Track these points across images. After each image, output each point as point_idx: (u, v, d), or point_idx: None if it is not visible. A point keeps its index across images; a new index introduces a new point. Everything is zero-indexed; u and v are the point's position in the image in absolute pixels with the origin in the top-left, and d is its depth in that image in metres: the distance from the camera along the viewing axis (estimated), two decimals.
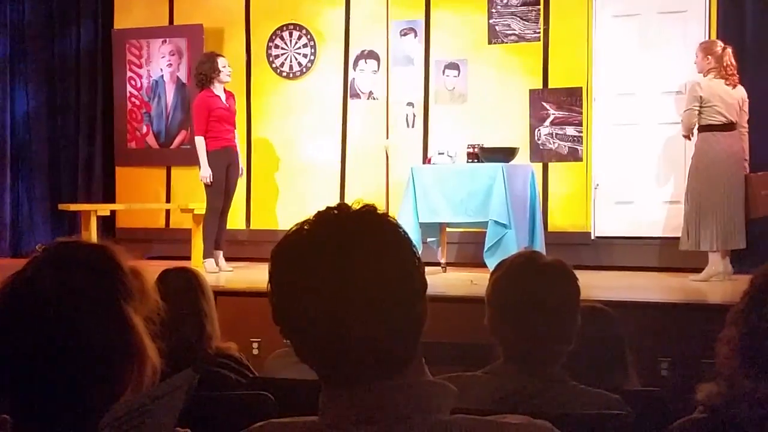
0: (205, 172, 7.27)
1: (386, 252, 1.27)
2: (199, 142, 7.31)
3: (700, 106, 6.33)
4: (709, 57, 6.43)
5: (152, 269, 1.88)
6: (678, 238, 6.71)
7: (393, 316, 1.24)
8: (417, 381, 1.27)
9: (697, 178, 6.39)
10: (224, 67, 7.39)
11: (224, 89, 7.50)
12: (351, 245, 1.25)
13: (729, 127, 6.37)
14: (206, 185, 7.32)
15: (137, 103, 8.94)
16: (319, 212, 1.31)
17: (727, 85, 6.39)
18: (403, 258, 1.28)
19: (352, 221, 1.29)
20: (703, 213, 6.34)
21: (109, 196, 8.96)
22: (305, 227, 1.30)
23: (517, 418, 1.31)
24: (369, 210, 1.30)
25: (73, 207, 7.99)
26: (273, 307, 1.30)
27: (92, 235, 7.20)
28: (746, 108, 6.49)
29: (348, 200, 1.33)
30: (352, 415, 1.24)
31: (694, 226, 6.37)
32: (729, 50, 6.44)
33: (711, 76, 6.40)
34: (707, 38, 6.97)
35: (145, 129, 8.92)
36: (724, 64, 6.39)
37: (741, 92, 6.46)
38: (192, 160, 7.81)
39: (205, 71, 7.35)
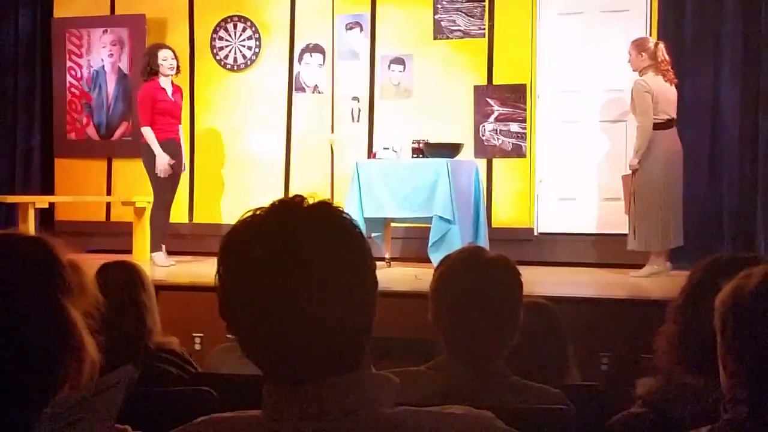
0: (162, 159, 7.07)
1: (340, 248, 1.25)
2: (147, 132, 7.13)
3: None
4: (643, 54, 6.47)
5: (92, 263, 1.85)
6: (619, 235, 6.81)
7: (344, 314, 1.23)
8: (360, 374, 1.26)
9: (645, 177, 6.38)
10: (164, 60, 7.21)
11: (172, 83, 7.35)
12: (305, 239, 1.23)
13: (670, 124, 6.45)
14: (152, 180, 7.17)
15: (77, 93, 8.79)
16: (272, 203, 1.28)
17: (665, 81, 6.46)
18: (356, 255, 1.27)
19: (307, 215, 1.26)
20: (653, 213, 6.37)
21: (48, 188, 8.80)
22: (257, 217, 1.27)
23: (459, 408, 1.31)
24: (324, 204, 1.29)
25: (11, 199, 7.82)
26: (220, 301, 1.27)
27: (30, 227, 7.05)
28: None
29: (292, 194, 1.31)
30: (297, 411, 1.23)
31: (645, 225, 6.40)
32: (661, 45, 6.51)
33: (651, 73, 6.46)
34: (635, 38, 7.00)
35: (85, 120, 8.77)
36: (659, 60, 6.44)
37: (674, 89, 6.54)
38: (133, 152, 7.70)
39: (147, 63, 7.25)
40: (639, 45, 6.54)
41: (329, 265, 1.23)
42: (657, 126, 6.38)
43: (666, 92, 6.44)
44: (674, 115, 6.48)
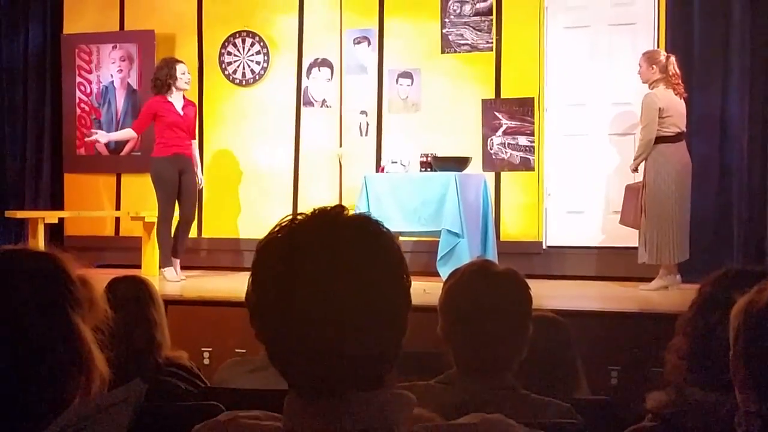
0: (101, 137, 7.79)
1: (379, 262, 1.23)
2: (127, 132, 7.68)
3: (659, 118, 6.37)
4: (654, 66, 6.47)
5: (101, 278, 1.85)
6: (628, 248, 6.79)
7: (376, 329, 1.22)
8: (380, 393, 1.24)
9: (655, 191, 6.38)
10: (183, 74, 7.26)
11: (183, 97, 7.37)
12: (344, 250, 1.21)
13: (680, 137, 6.44)
14: (157, 193, 7.19)
15: (87, 109, 8.82)
16: (312, 211, 1.25)
17: (676, 94, 6.46)
18: (394, 270, 1.25)
19: (348, 226, 1.24)
20: (664, 226, 6.36)
21: (58, 204, 8.82)
22: (295, 225, 1.24)
23: (472, 417, 1.31)
24: (365, 217, 1.27)
25: (20, 214, 7.85)
26: (252, 307, 1.24)
27: (39, 242, 7.07)
28: None
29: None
30: (315, 424, 1.22)
31: (656, 239, 6.38)
32: (672, 59, 6.50)
33: (661, 86, 6.45)
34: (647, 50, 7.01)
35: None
36: (670, 74, 6.44)
37: (683, 102, 6.54)
38: (142, 166, 7.73)
39: (161, 77, 7.23)
40: (650, 57, 6.54)
41: (367, 279, 1.21)
42: (667, 139, 6.38)
43: (676, 105, 6.44)
44: (684, 129, 6.47)
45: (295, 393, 1.25)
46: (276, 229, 1.26)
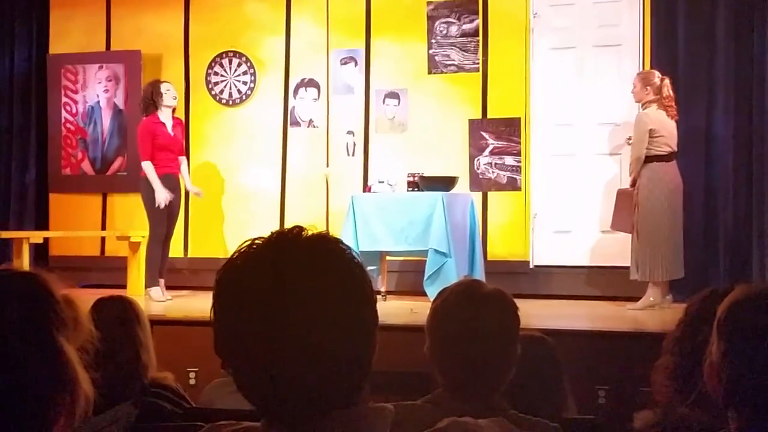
0: (161, 194, 7.09)
1: (339, 280, 1.21)
2: (147, 166, 7.16)
3: (649, 138, 6.40)
4: (648, 88, 6.51)
5: (87, 298, 1.84)
6: (615, 267, 6.80)
7: (342, 349, 1.19)
8: (355, 410, 1.22)
9: (648, 209, 6.41)
10: (168, 90, 7.30)
11: (172, 116, 7.40)
12: (303, 271, 1.19)
13: (672, 156, 6.48)
14: (149, 213, 7.19)
15: (72, 128, 8.80)
16: (270, 235, 1.24)
17: (668, 116, 6.50)
18: (356, 287, 1.23)
19: (305, 246, 1.22)
20: (656, 244, 6.39)
21: (43, 223, 8.78)
22: (253, 249, 1.23)
23: (443, 421, 1.30)
24: (322, 236, 1.24)
25: (5, 234, 7.79)
26: (215, 336, 1.23)
27: (24, 263, 7.03)
28: None
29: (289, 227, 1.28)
30: None
31: (649, 256, 6.41)
32: (667, 81, 6.54)
33: (654, 107, 6.49)
34: (641, 70, 7.08)
35: (80, 155, 8.78)
36: (664, 95, 6.48)
37: (674, 123, 6.58)
38: (128, 186, 7.71)
39: (147, 97, 7.28)
40: (645, 78, 6.58)
41: (328, 298, 1.19)
42: (660, 158, 6.42)
43: (668, 126, 6.49)
44: (676, 149, 6.52)
45: (267, 418, 1.22)
46: (235, 255, 1.24)
